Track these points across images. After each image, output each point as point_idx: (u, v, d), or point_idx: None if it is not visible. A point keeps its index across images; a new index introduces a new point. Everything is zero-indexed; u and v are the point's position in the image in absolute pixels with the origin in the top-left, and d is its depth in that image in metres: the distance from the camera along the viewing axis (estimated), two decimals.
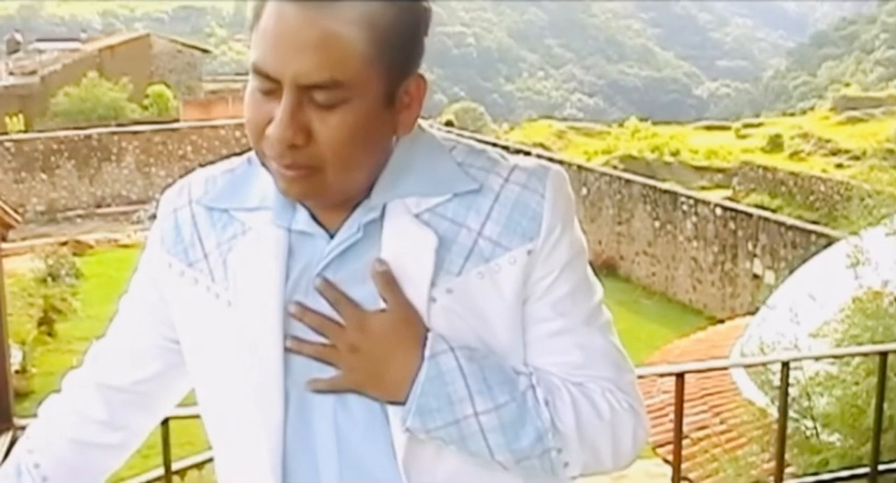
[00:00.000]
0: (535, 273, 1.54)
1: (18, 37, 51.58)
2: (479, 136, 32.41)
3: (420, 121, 1.58)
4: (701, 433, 8.26)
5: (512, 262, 1.53)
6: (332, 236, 1.54)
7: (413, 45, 1.50)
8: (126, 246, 25.11)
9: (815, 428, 6.70)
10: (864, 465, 4.89)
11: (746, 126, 46.03)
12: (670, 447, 4.04)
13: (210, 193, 1.65)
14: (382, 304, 1.50)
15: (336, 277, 1.53)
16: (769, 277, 19.44)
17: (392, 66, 1.46)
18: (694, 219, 22.12)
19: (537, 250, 1.54)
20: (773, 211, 24.57)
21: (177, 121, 34.71)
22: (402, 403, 1.49)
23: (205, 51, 50.78)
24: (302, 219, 1.55)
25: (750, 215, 21.17)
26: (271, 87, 1.44)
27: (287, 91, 1.43)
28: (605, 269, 22.70)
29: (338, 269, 1.53)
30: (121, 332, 1.78)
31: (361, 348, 1.50)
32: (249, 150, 1.70)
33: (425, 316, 1.50)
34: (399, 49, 1.47)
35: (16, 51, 48.82)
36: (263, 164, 1.51)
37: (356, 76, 1.43)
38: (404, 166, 1.54)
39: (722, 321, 15.38)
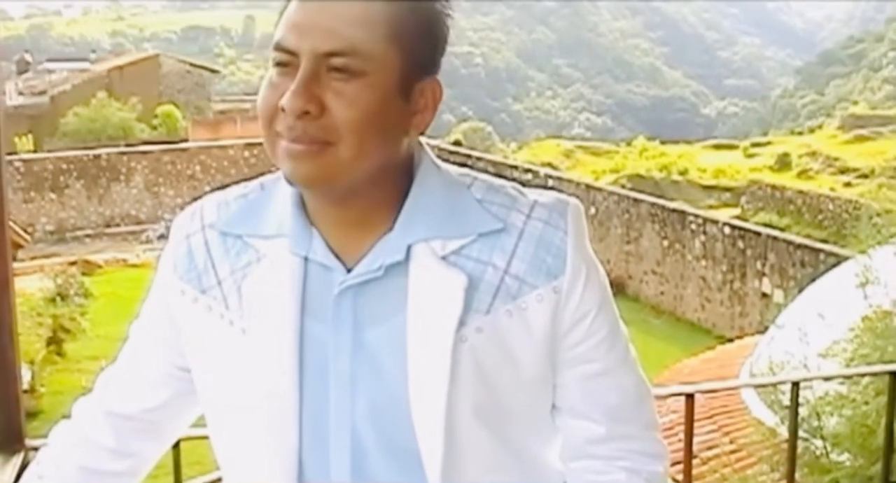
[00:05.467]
0: (567, 313, 1.56)
1: (28, 57, 51.86)
2: (487, 156, 32.46)
3: (435, 157, 1.59)
4: (710, 453, 8.24)
5: (539, 300, 1.53)
6: (349, 271, 1.53)
7: (434, 42, 1.52)
8: (135, 265, 25.16)
9: (825, 447, 6.68)
10: None
11: (754, 145, 46.14)
12: (680, 467, 4.03)
13: (223, 218, 1.64)
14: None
15: (352, 313, 1.53)
16: (778, 296, 19.40)
17: (412, 54, 1.48)
18: (702, 238, 22.11)
19: (564, 288, 1.55)
20: (782, 230, 24.54)
21: (186, 141, 34.78)
22: None
23: (213, 71, 51.01)
24: (319, 249, 1.54)
25: (758, 234, 21.16)
26: (289, 62, 1.46)
27: (304, 61, 1.44)
28: (614, 288, 22.07)
29: (355, 305, 1.53)
30: (131, 359, 1.78)
31: None
32: (260, 173, 1.70)
33: (453, 356, 1.50)
34: (420, 40, 1.49)
35: (25, 71, 49.02)
36: (272, 154, 1.49)
37: (375, 49, 1.44)
38: (425, 203, 1.53)
39: (731, 340, 15.36)
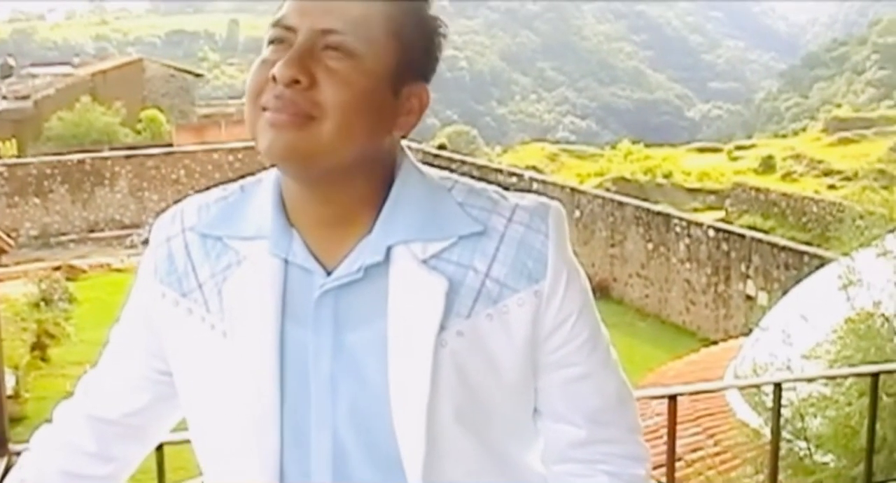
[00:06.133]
0: (548, 317, 1.56)
1: (11, 61, 51.62)
2: (471, 160, 32.45)
3: (416, 161, 1.60)
4: (695, 455, 8.26)
5: (520, 304, 1.53)
6: (328, 274, 1.53)
7: (428, 49, 1.55)
8: (119, 270, 25.09)
9: (809, 449, 6.70)
10: None
11: (739, 148, 46.28)
12: (664, 469, 4.04)
13: (203, 221, 1.63)
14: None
15: (332, 316, 1.53)
16: (762, 299, 19.45)
17: (407, 53, 1.50)
18: (687, 241, 22.15)
19: (545, 292, 1.55)
20: (766, 232, 24.59)
21: (170, 145, 34.74)
22: None
23: (197, 75, 50.86)
24: (299, 251, 1.54)
25: (743, 237, 21.20)
26: (285, 38, 1.47)
27: (301, 36, 1.45)
28: (599, 291, 22.64)
29: (335, 307, 1.53)
30: (111, 363, 1.77)
31: None
32: (243, 175, 1.70)
33: (434, 360, 1.49)
34: (417, 42, 1.52)
35: (9, 75, 48.83)
36: (253, 130, 1.48)
37: (373, 36, 1.46)
38: (405, 205, 1.53)
39: (715, 343, 15.39)
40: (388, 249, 1.52)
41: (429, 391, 1.50)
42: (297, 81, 1.43)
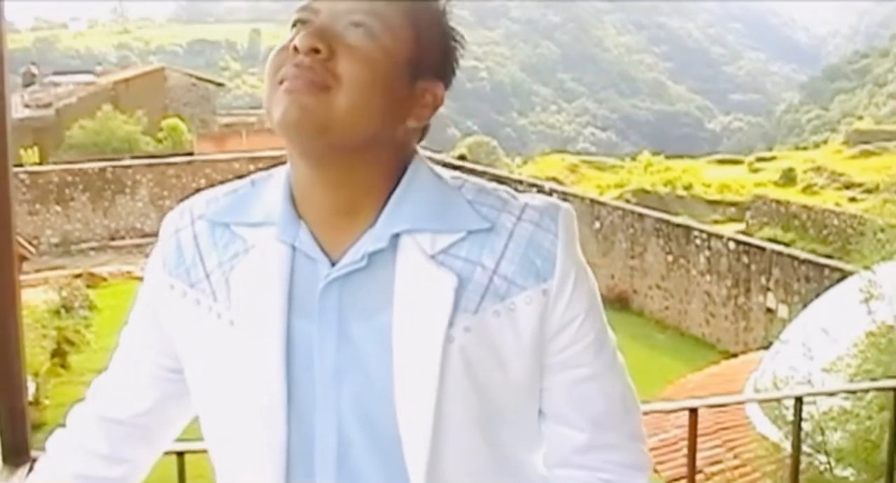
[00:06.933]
0: (555, 316, 1.55)
1: (34, 69, 51.86)
2: (491, 170, 32.46)
3: (427, 159, 1.60)
4: (715, 468, 8.23)
5: (528, 302, 1.53)
6: (333, 264, 1.53)
7: (446, 53, 1.58)
8: (139, 278, 24.80)
9: (829, 463, 6.67)
10: None
11: (759, 160, 46.16)
12: (684, 482, 4.04)
13: (212, 210, 1.65)
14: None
15: (337, 308, 1.53)
16: (783, 311, 19.39)
17: (427, 49, 1.52)
18: (707, 253, 22.10)
19: (552, 291, 1.54)
20: (787, 245, 24.50)
21: (191, 154, 34.81)
22: None
23: (219, 84, 51.04)
24: (306, 239, 1.54)
25: (763, 249, 21.14)
26: (308, 19, 1.49)
27: (324, 14, 1.49)
28: (618, 303, 22.66)
29: (339, 298, 1.53)
30: (120, 364, 1.78)
31: None
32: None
33: (442, 357, 1.49)
34: (435, 41, 1.55)
35: (31, 83, 49.08)
36: (269, 106, 1.48)
37: (395, 23, 1.49)
38: (413, 195, 1.53)
39: (735, 355, 15.35)
40: (395, 239, 1.52)
41: (437, 387, 1.49)
42: (316, 51, 1.45)
